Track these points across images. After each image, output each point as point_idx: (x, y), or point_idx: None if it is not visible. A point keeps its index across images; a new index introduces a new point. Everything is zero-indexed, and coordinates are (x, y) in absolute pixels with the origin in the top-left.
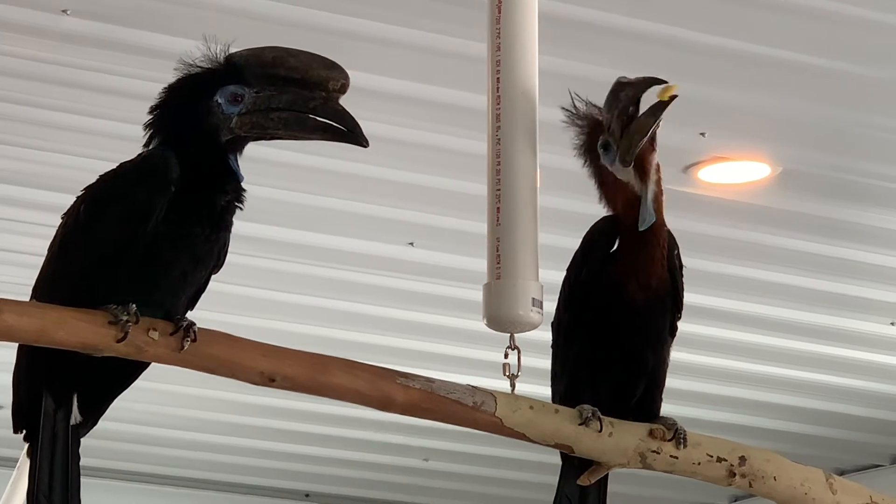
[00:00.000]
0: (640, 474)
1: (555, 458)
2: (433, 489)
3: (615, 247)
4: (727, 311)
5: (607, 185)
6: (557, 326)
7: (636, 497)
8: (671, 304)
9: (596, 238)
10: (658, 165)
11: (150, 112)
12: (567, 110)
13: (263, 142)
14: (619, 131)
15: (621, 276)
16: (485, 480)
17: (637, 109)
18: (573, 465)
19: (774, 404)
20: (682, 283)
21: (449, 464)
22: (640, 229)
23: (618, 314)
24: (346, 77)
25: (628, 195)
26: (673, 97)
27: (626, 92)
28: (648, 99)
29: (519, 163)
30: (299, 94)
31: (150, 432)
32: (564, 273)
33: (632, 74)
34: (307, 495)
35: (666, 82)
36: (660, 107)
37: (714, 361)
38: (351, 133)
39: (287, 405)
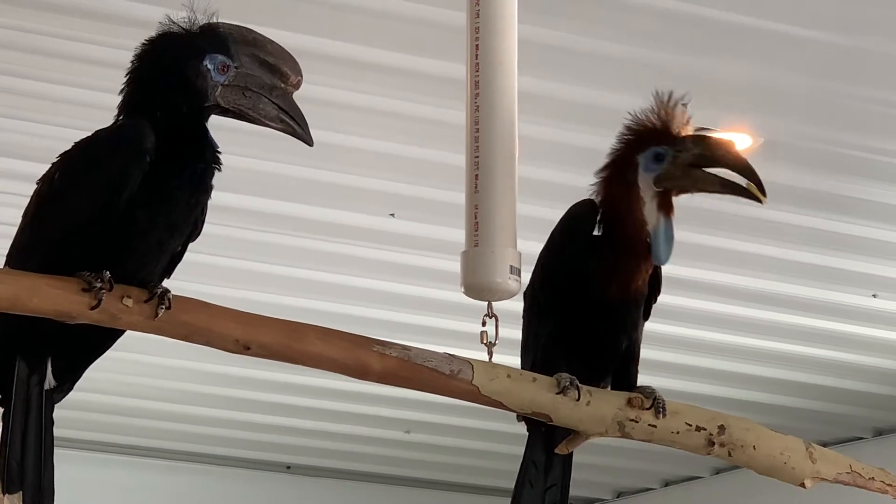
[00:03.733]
0: (624, 447)
1: None
2: (414, 461)
3: (596, 236)
4: (707, 282)
5: (622, 192)
6: (532, 302)
7: (620, 469)
8: (647, 299)
9: (577, 224)
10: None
11: (133, 65)
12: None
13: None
14: (691, 160)
15: (602, 280)
16: (466, 452)
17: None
18: (540, 432)
19: (756, 376)
20: (660, 282)
21: (430, 436)
22: (657, 265)
23: (593, 308)
24: (302, 75)
25: (638, 215)
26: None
27: (728, 154)
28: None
29: (497, 130)
30: (267, 81)
31: (130, 403)
32: (542, 247)
33: (612, 44)
34: (288, 467)
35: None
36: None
37: (694, 333)
38: (301, 130)
39: (268, 376)
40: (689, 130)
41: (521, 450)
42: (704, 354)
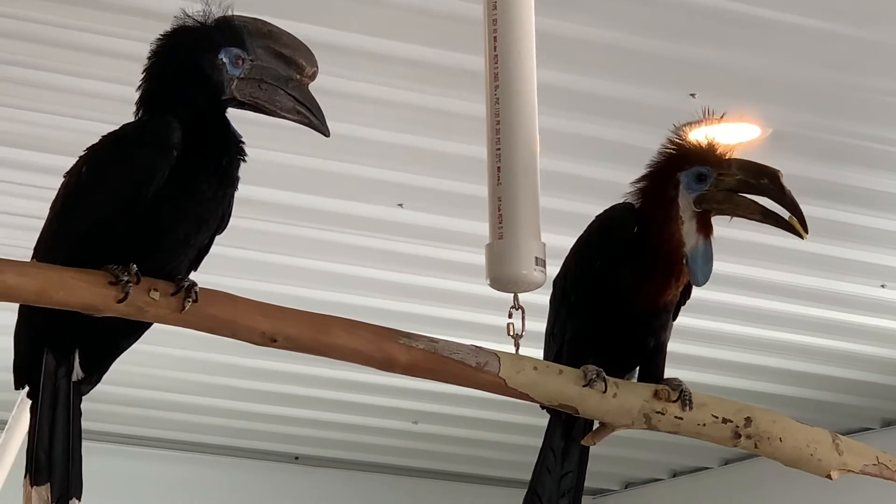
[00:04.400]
0: (633, 438)
1: (545, 421)
2: (422, 452)
3: (631, 243)
4: (716, 273)
5: (661, 207)
6: (561, 295)
7: (629, 460)
8: (677, 303)
9: (614, 228)
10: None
11: (150, 60)
12: (675, 125)
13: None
14: (734, 185)
15: (633, 292)
16: (474, 443)
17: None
18: (560, 419)
19: (763, 367)
20: (691, 287)
21: (438, 426)
22: (697, 286)
23: (622, 313)
24: (318, 66)
25: (677, 235)
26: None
27: (772, 184)
28: None
29: (518, 121)
30: (282, 72)
31: (140, 394)
32: (573, 245)
33: (625, 35)
34: (297, 458)
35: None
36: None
37: (702, 324)
38: (317, 120)
39: (277, 368)
40: (733, 153)
41: (528, 440)
42: (710, 345)
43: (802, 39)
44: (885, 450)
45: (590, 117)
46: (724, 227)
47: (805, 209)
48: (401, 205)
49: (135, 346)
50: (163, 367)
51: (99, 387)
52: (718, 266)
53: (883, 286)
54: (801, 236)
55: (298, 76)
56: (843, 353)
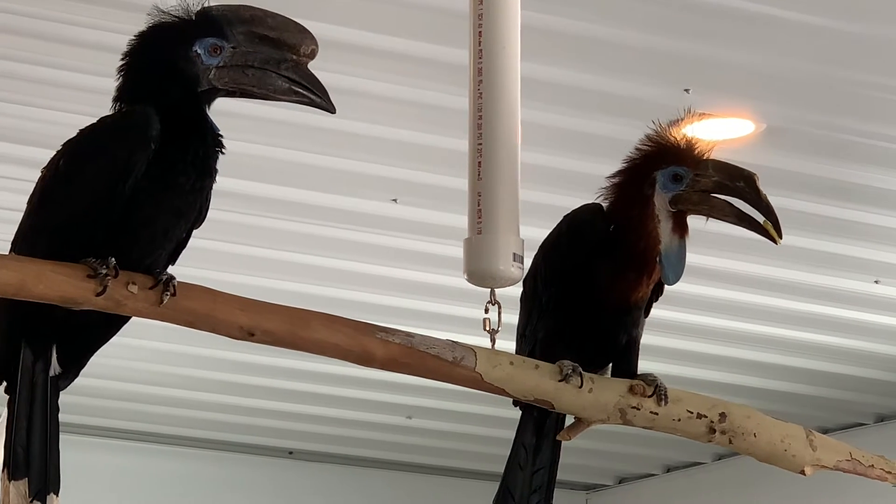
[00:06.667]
0: (626, 433)
1: None
2: (416, 447)
3: (602, 243)
4: (709, 268)
5: (636, 206)
6: (532, 295)
7: (622, 455)
8: (649, 299)
9: (582, 231)
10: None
11: (125, 57)
12: (654, 122)
13: (245, 97)
14: (710, 186)
15: (604, 290)
16: (468, 438)
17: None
18: (531, 415)
19: (758, 362)
20: (664, 285)
21: (432, 421)
22: (668, 285)
23: (593, 311)
24: (317, 43)
25: (653, 233)
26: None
27: (748, 187)
28: None
29: (500, 116)
30: (273, 55)
31: (133, 389)
32: (541, 245)
33: (614, 29)
34: (291, 452)
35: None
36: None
37: (695, 319)
38: (319, 98)
39: (270, 362)
40: (711, 153)
41: None
42: (705, 340)
43: (796, 35)
44: (879, 445)
45: (583, 112)
46: (715, 221)
47: (799, 205)
48: (395, 200)
49: (126, 340)
50: (156, 362)
51: (94, 381)
52: (712, 261)
53: (877, 282)
54: (775, 241)
55: (294, 56)
56: (836, 348)
